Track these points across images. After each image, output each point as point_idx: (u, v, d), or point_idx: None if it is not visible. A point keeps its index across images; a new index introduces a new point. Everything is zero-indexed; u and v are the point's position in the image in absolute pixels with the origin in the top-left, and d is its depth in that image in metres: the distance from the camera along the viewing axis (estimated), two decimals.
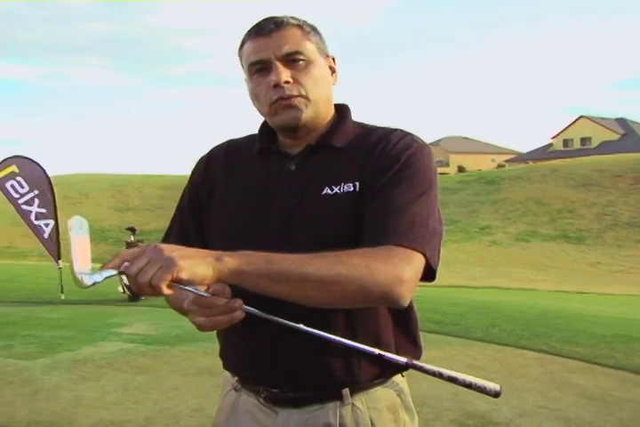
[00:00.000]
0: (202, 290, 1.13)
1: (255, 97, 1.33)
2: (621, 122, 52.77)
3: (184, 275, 1.01)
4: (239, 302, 1.11)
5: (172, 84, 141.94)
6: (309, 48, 1.29)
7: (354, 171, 1.27)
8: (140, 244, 8.99)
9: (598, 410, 4.03)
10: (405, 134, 1.31)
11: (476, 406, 4.03)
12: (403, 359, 1.17)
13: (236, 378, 1.39)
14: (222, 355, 1.43)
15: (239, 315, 1.11)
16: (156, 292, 1.02)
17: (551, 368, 5.02)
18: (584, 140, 51.42)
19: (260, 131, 1.41)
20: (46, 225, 8.75)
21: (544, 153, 51.91)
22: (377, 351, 1.17)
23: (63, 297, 8.53)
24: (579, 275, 17.06)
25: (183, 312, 1.36)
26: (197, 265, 1.03)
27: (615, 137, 50.09)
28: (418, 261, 1.16)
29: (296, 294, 1.10)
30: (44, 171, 8.95)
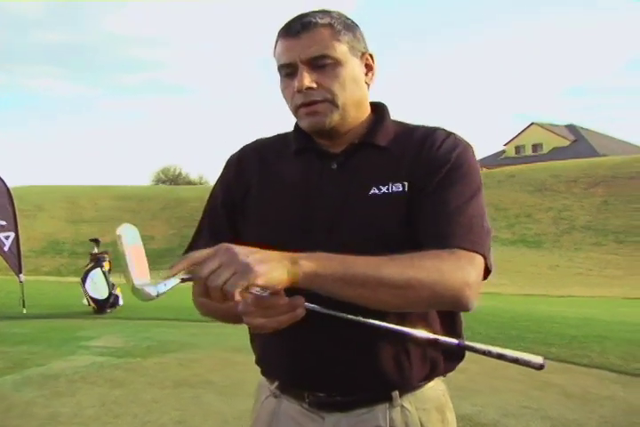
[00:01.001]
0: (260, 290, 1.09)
1: (285, 99, 1.30)
2: (571, 128, 54.09)
3: (260, 281, 0.97)
4: (301, 299, 1.07)
5: (128, 94, 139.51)
6: (338, 49, 1.23)
7: (401, 171, 1.25)
8: (106, 255, 8.81)
9: (580, 408, 4.09)
10: (449, 133, 1.29)
11: (461, 408, 4.03)
12: (455, 341, 1.17)
13: (276, 384, 1.34)
14: (261, 361, 1.38)
15: (301, 313, 1.07)
16: (225, 297, 0.97)
17: (530, 369, 5.06)
18: (536, 147, 52.54)
19: (295, 129, 1.37)
20: (6, 238, 8.47)
21: (497, 159, 52.81)
22: (432, 336, 1.16)
23: (25, 311, 8.27)
24: (539, 278, 17.38)
25: (223, 315, 1.32)
26: (274, 270, 0.99)
27: (566, 143, 51.31)
28: (480, 264, 1.16)
29: (369, 298, 1.08)
30: (4, 182, 8.69)
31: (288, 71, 1.25)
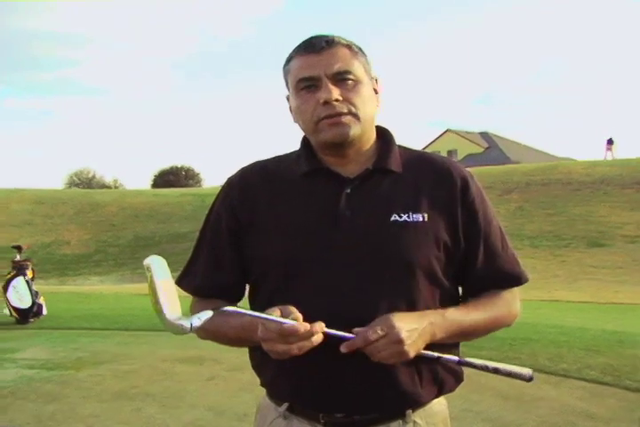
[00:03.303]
0: (276, 316, 1.12)
1: (300, 113, 1.31)
2: (484, 135, 56.06)
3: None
4: (321, 325, 1.12)
5: (36, 93, 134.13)
6: (357, 68, 1.29)
7: (420, 201, 1.30)
8: (29, 263, 8.44)
9: (517, 409, 4.25)
10: (458, 164, 1.39)
11: None
12: (455, 358, 1.29)
13: (286, 406, 1.33)
14: (271, 383, 1.37)
15: (320, 338, 1.13)
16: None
17: (466, 372, 5.22)
18: (450, 153, 53.96)
19: (303, 150, 1.37)
20: None
21: None
22: (436, 355, 1.26)
23: None
24: None
25: (229, 341, 1.35)
26: (419, 349, 1.21)
27: (479, 150, 53.09)
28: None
29: (464, 340, 1.37)
30: None
31: (308, 84, 1.27)
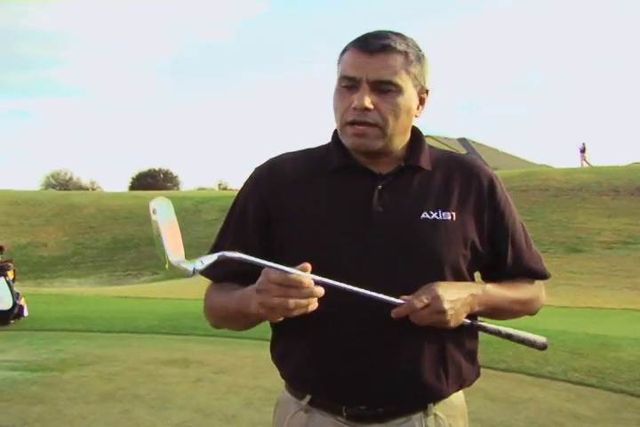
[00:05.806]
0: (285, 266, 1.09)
1: (335, 109, 1.31)
2: (463, 141, 56.49)
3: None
4: (322, 289, 1.10)
5: (13, 95, 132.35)
6: (404, 79, 1.26)
7: (450, 200, 1.32)
8: (10, 264, 8.32)
9: (505, 410, 4.28)
10: (484, 165, 1.41)
11: None
12: (468, 321, 1.30)
13: (308, 398, 1.33)
14: (294, 376, 1.36)
15: (314, 305, 1.11)
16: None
17: None
18: None
19: (334, 145, 1.37)
20: None
21: None
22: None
23: None
24: None
25: (238, 325, 1.33)
26: (460, 320, 1.26)
27: None
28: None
29: (497, 318, 1.40)
30: None
31: (349, 84, 1.27)
